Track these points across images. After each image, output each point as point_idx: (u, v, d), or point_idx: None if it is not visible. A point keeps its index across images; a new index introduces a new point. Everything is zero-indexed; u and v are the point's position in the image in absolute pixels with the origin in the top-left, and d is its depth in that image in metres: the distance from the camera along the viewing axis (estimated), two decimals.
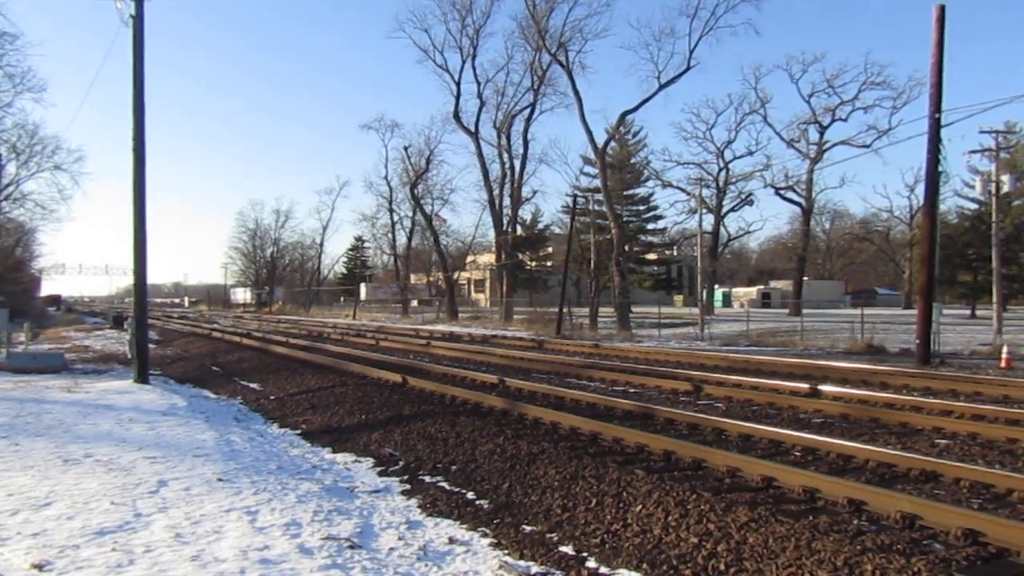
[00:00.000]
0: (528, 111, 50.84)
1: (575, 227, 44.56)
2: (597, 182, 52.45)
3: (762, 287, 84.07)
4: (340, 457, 9.25)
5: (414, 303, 71.31)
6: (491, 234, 56.06)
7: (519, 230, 60.88)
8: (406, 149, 60.12)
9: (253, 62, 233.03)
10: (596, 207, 51.47)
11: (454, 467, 8.28)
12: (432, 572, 5.29)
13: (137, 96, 15.79)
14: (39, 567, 4.95)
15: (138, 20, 15.82)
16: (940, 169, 19.14)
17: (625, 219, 68.80)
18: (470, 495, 7.29)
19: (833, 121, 56.96)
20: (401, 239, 71.40)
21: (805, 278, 63.99)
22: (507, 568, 5.32)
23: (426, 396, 12.57)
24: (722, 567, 5.09)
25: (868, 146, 52.70)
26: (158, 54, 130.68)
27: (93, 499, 6.61)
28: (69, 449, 8.81)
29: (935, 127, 18.73)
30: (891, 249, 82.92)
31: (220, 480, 7.47)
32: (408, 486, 7.73)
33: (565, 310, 36.23)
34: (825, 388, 12.85)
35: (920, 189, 51.34)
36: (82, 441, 9.34)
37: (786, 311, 54.66)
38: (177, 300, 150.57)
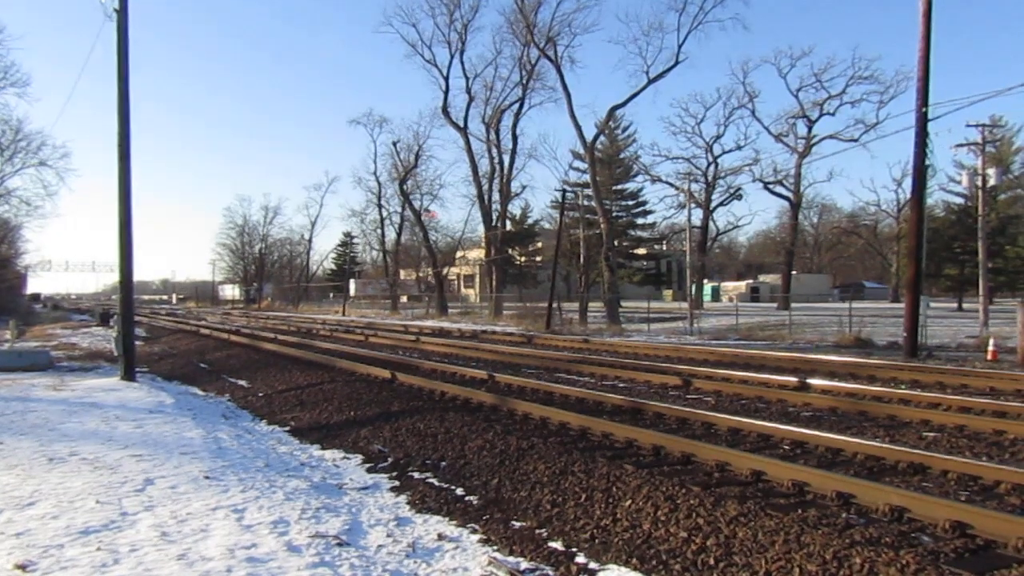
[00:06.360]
0: (517, 106, 50.73)
1: (564, 222, 44.54)
2: (586, 177, 52.48)
3: (751, 281, 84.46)
4: (328, 454, 9.20)
5: (403, 299, 71.15)
6: (480, 229, 56.00)
7: (508, 225, 60.78)
8: (395, 144, 59.98)
9: (240, 58, 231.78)
10: (585, 202, 51.53)
11: (443, 463, 8.25)
12: (421, 569, 5.26)
13: (122, 91, 15.63)
14: (22, 567, 4.88)
15: (122, 14, 15.66)
16: (927, 163, 19.20)
17: (614, 214, 68.97)
18: (459, 491, 7.26)
19: (821, 115, 57.37)
20: (390, 235, 71.25)
21: (793, 272, 64.29)
22: (496, 564, 5.29)
23: (415, 392, 12.53)
24: (712, 561, 5.08)
25: (856, 140, 53.08)
26: (144, 51, 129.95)
27: (78, 498, 6.54)
28: (54, 448, 8.72)
29: (922, 121, 18.79)
30: (878, 243, 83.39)
31: (207, 478, 7.41)
32: (397, 483, 7.69)
33: (555, 305, 36.24)
34: (814, 382, 12.89)
35: (907, 183, 51.64)
36: (68, 439, 9.25)
37: (775, 305, 54.87)
38: (165, 297, 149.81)
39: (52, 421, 10.59)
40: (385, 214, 70.19)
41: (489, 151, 52.10)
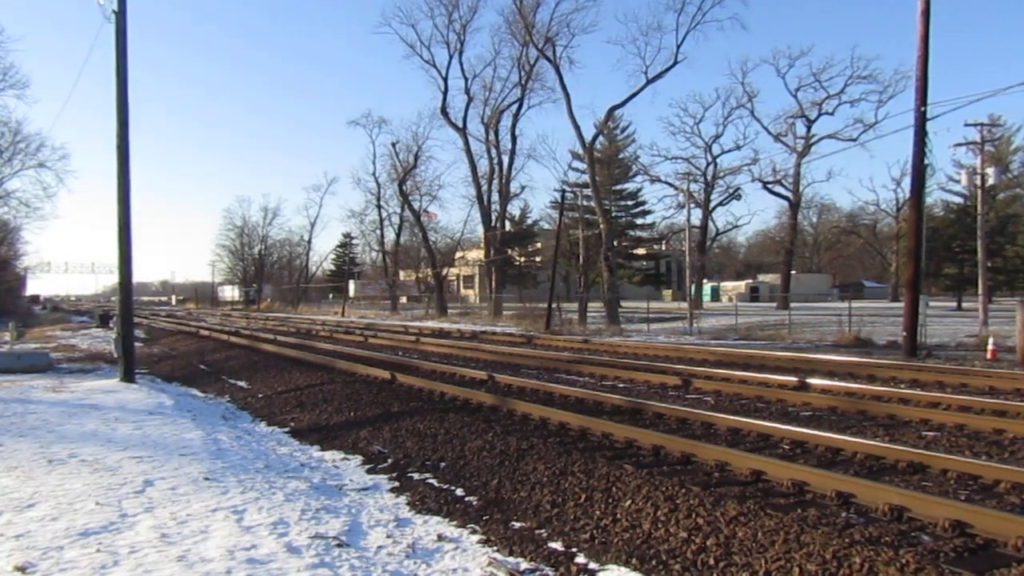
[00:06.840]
0: (516, 106, 50.74)
1: (564, 222, 44.57)
2: (585, 177, 52.39)
3: (750, 281, 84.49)
4: (328, 455, 9.20)
5: (403, 300, 71.16)
6: (480, 230, 55.98)
7: (508, 226, 60.82)
8: (394, 145, 59.95)
9: (240, 59, 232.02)
10: (585, 202, 51.56)
11: (443, 464, 8.25)
12: (421, 570, 5.26)
13: (121, 93, 15.63)
14: (22, 569, 4.88)
15: (121, 16, 15.66)
16: (926, 162, 19.21)
17: (614, 214, 68.91)
18: (459, 492, 7.26)
19: (820, 115, 57.43)
20: (390, 235, 71.17)
21: (793, 272, 64.34)
22: (496, 565, 5.29)
23: (415, 393, 12.52)
24: (711, 561, 5.08)
25: (855, 140, 53.14)
26: (144, 53, 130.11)
27: (78, 500, 6.54)
28: (54, 449, 8.72)
29: (921, 120, 18.79)
30: (878, 242, 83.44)
31: (207, 479, 7.41)
32: (397, 483, 7.69)
33: (554, 305, 36.22)
34: (813, 381, 12.89)
35: (906, 182, 51.77)
36: (67, 441, 9.25)
37: (774, 305, 54.88)
38: (164, 298, 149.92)
39: (51, 423, 10.59)
40: (384, 215, 70.20)
41: (488, 151, 52.16)
